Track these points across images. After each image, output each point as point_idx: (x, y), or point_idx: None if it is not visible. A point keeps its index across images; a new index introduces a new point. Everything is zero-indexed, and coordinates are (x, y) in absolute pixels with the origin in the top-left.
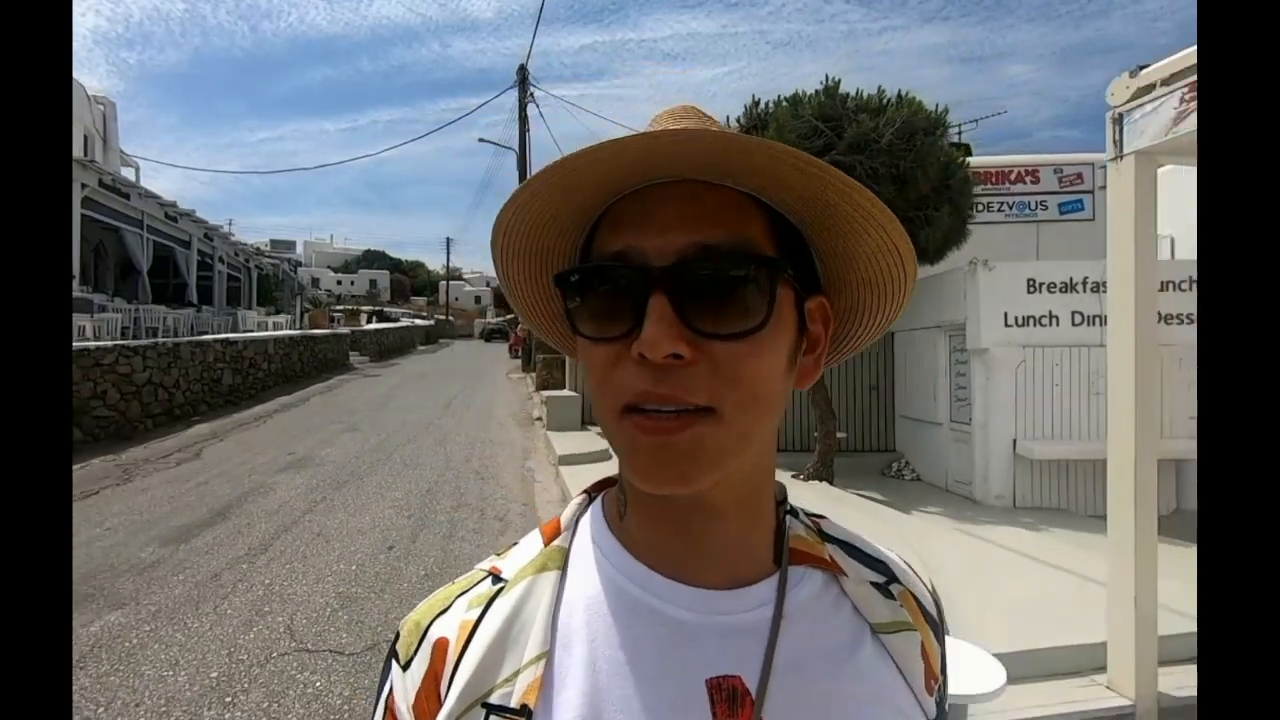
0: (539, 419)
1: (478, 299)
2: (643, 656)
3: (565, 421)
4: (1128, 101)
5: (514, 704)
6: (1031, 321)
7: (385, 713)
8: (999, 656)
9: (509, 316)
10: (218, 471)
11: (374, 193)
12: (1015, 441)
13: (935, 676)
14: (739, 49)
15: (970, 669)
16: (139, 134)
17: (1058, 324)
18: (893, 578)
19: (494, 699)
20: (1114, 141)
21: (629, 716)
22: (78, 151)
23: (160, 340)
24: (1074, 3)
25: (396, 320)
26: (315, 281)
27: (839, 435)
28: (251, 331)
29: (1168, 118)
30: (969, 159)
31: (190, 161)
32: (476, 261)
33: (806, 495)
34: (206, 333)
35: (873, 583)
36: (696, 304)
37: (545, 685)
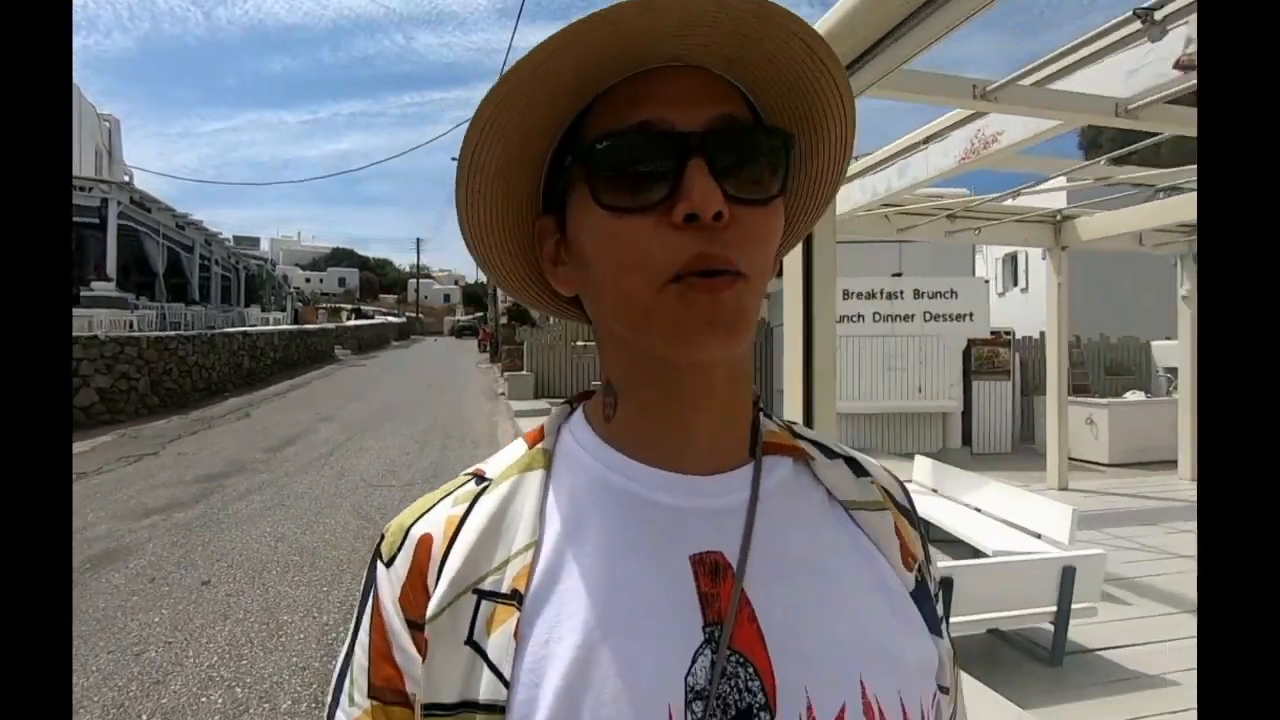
0: (502, 393)
1: (447, 297)
2: (629, 539)
3: (521, 393)
4: None
5: (505, 589)
6: (845, 319)
7: (373, 612)
8: None
9: (478, 314)
10: (271, 424)
11: (339, 186)
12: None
13: (913, 555)
14: None
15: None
16: None
17: (863, 320)
18: (861, 470)
19: (485, 585)
20: None
21: (615, 593)
22: (90, 165)
23: (202, 332)
24: (1029, 13)
25: (372, 318)
26: (285, 279)
27: None
28: (256, 326)
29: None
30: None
31: (142, 151)
32: (445, 260)
33: None
34: (215, 327)
35: (847, 468)
36: (729, 169)
37: (534, 571)
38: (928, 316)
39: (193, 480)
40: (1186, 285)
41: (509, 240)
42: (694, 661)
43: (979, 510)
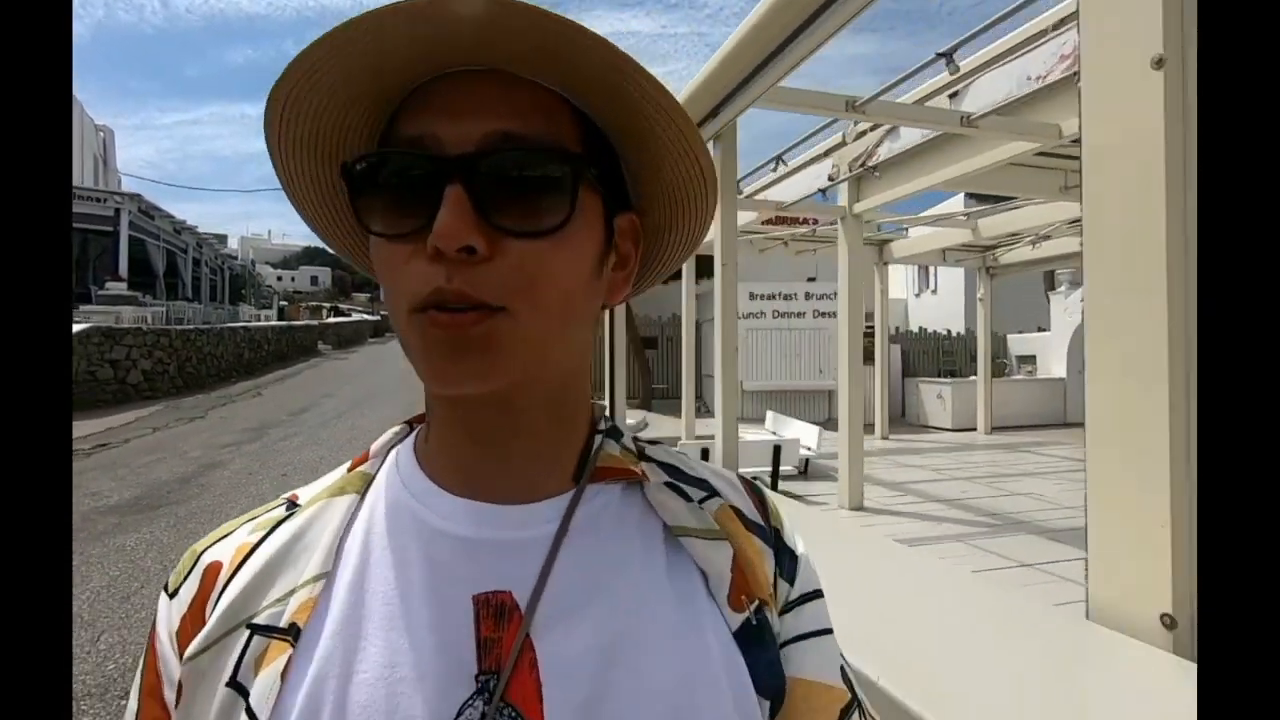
0: None
1: None
2: (412, 575)
3: None
4: None
5: (283, 623)
6: (751, 315)
7: (148, 646)
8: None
9: None
10: (282, 400)
11: None
12: (742, 381)
13: (749, 593)
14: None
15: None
16: None
17: (765, 317)
18: (713, 493)
19: (261, 619)
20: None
21: (391, 634)
22: (89, 174)
23: (213, 326)
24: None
25: (350, 316)
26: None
27: (659, 385)
28: (248, 323)
29: None
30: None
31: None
32: None
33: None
34: (210, 323)
35: (680, 493)
36: (494, 198)
37: (319, 604)
38: (816, 314)
39: (242, 430)
40: (981, 290)
41: (329, 202)
42: (459, 714)
43: (785, 435)
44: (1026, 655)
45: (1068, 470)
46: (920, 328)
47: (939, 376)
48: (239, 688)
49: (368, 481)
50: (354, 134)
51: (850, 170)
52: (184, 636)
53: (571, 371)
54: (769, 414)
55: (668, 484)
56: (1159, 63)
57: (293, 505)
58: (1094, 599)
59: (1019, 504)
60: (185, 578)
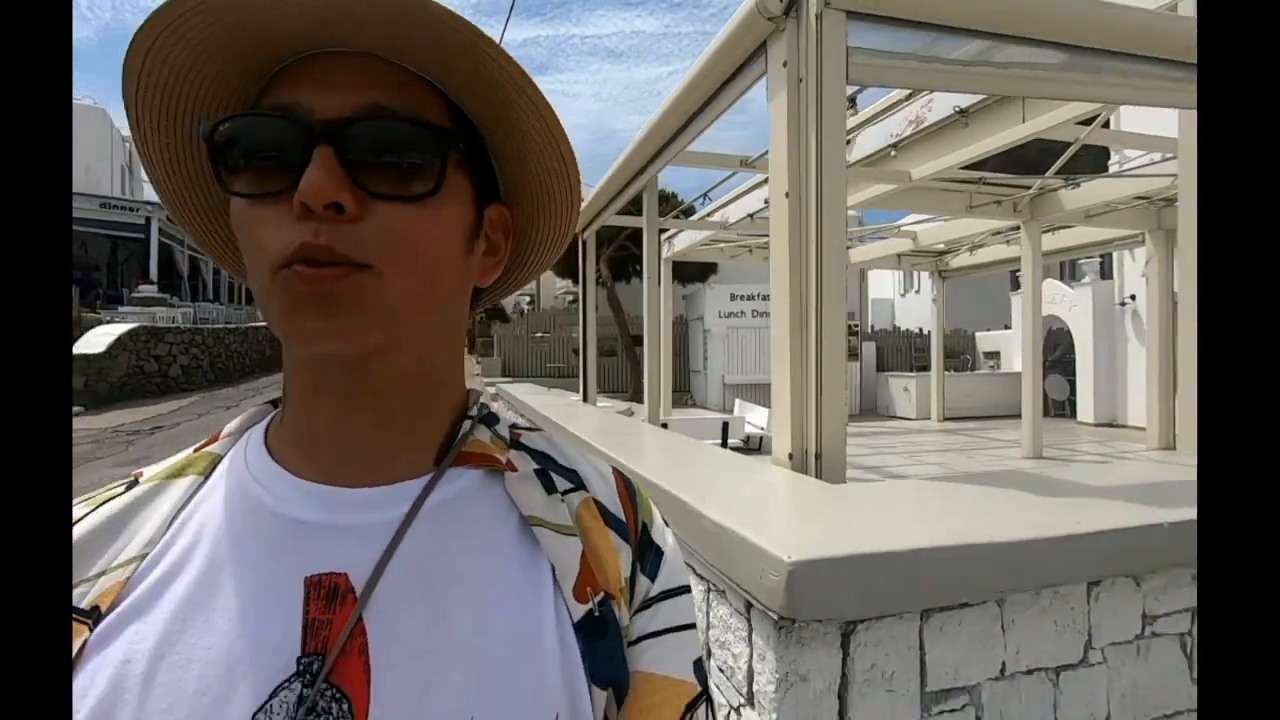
0: (477, 374)
1: None
2: (241, 558)
3: (491, 372)
4: None
5: (85, 604)
6: (733, 315)
7: None
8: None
9: None
10: None
11: None
12: (724, 375)
13: (594, 585)
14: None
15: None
16: None
17: (746, 316)
18: (579, 485)
19: None
20: None
21: (210, 616)
22: (117, 184)
23: (240, 325)
24: None
25: None
26: None
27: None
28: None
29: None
30: None
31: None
32: None
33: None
34: (233, 323)
35: (543, 481)
36: (364, 162)
37: (129, 585)
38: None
39: None
40: (934, 291)
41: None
42: (272, 696)
43: (736, 415)
44: (739, 473)
45: (960, 448)
46: (896, 325)
47: (910, 371)
48: None
49: (214, 462)
50: (215, 101)
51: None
52: None
53: (437, 348)
54: (736, 401)
55: (536, 471)
56: (787, 195)
57: (134, 484)
58: (771, 453)
59: (885, 459)
60: None
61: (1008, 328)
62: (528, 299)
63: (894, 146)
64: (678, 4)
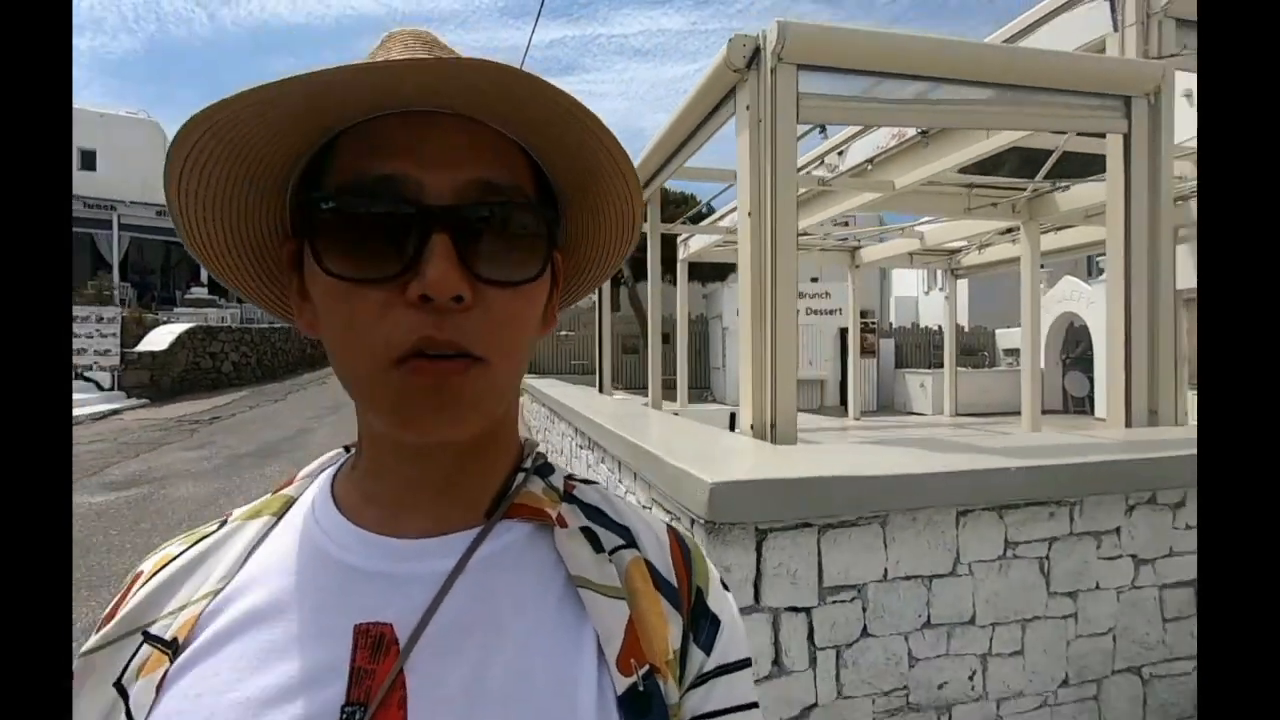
0: None
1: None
2: (301, 601)
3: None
4: None
5: (168, 636)
6: None
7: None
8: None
9: None
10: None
11: None
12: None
13: (639, 657)
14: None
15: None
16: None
17: None
18: (630, 543)
19: (154, 628)
20: None
21: (268, 656)
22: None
23: (283, 324)
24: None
25: None
26: None
27: (667, 376)
28: None
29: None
30: None
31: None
32: None
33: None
34: (276, 322)
35: (593, 540)
36: (478, 247)
37: (201, 620)
38: (807, 311)
39: (321, 408)
40: (947, 289)
41: (243, 252)
42: None
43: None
44: (710, 439)
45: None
46: (914, 323)
47: (929, 368)
48: (122, 690)
49: (287, 504)
50: (274, 157)
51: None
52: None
53: (510, 410)
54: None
55: (584, 529)
56: (750, 214)
57: (224, 523)
58: (738, 425)
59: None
60: (123, 589)
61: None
62: None
63: (870, 161)
64: (704, 1)
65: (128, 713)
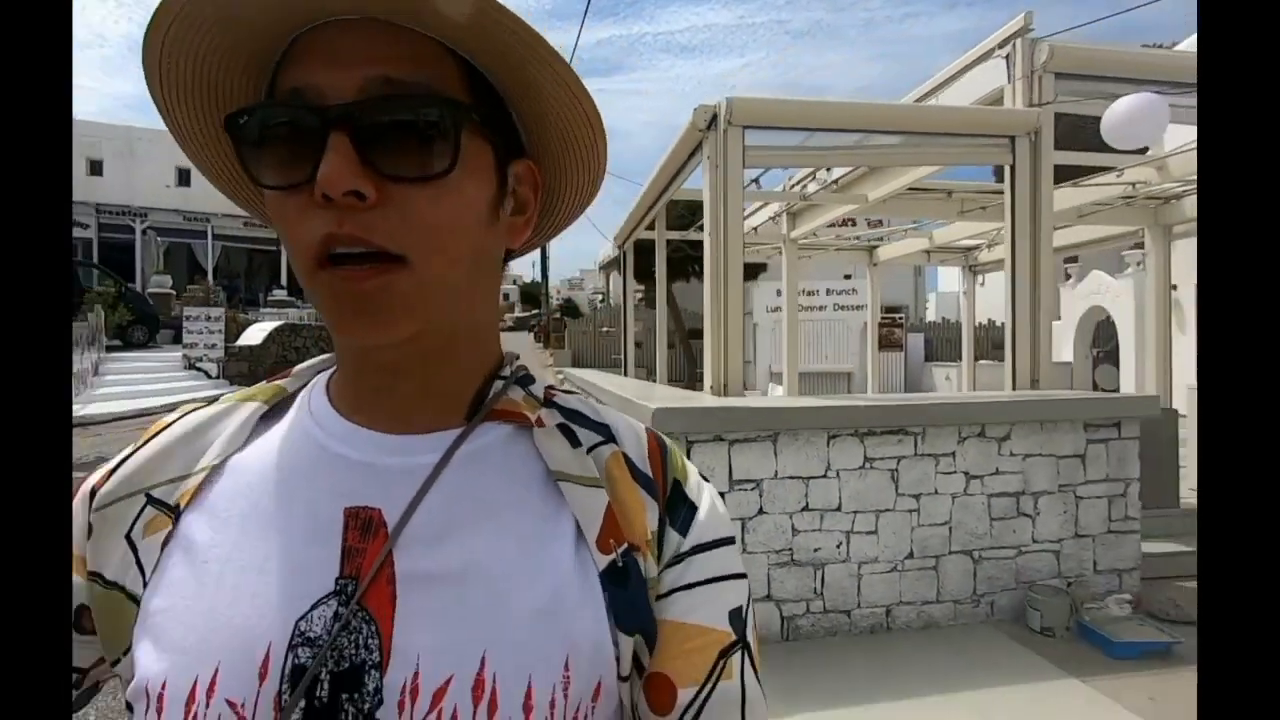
0: (549, 364)
1: (506, 295)
2: (293, 484)
3: (562, 362)
4: None
5: (171, 501)
6: (778, 310)
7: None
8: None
9: (535, 311)
10: None
11: None
12: (770, 365)
13: (617, 537)
14: (757, 40)
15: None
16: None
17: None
18: (609, 439)
19: (156, 492)
20: None
21: (264, 531)
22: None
23: None
24: None
25: None
26: None
27: (697, 370)
28: None
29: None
30: None
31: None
32: None
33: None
34: None
35: (570, 437)
36: (379, 144)
37: (200, 492)
38: (835, 307)
39: None
40: (965, 285)
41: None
42: (312, 609)
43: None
44: (683, 396)
45: None
46: (944, 318)
47: (958, 361)
48: (131, 544)
49: (280, 394)
50: (238, 81)
51: (788, 207)
52: (98, 485)
53: (474, 315)
54: (770, 385)
55: (560, 426)
56: (710, 234)
57: (213, 401)
58: (703, 386)
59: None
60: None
61: (1058, 319)
62: (600, 296)
63: (835, 181)
64: None
65: (138, 564)
